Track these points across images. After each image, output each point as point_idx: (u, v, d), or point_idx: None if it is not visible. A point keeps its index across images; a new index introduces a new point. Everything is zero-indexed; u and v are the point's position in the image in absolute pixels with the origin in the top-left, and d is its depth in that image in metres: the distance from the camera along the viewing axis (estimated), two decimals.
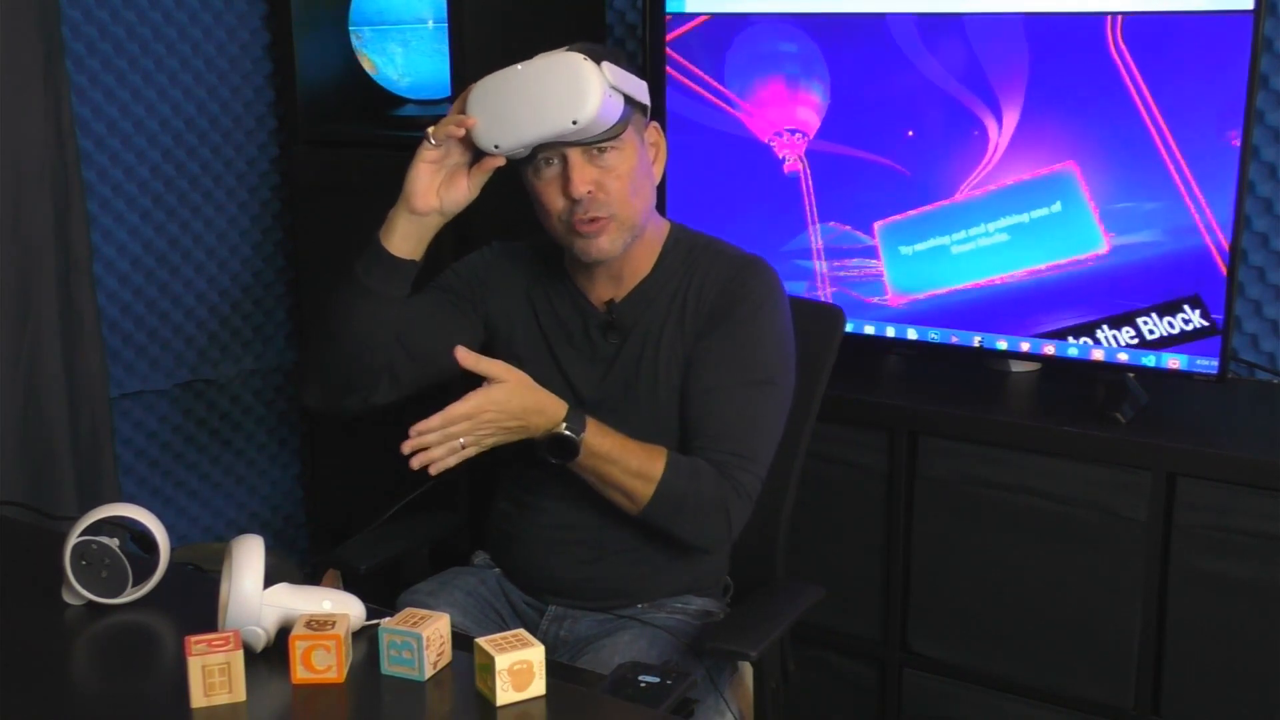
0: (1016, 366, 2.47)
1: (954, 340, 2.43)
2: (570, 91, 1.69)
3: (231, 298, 3.05)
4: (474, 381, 1.71)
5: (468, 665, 1.42)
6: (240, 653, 1.38)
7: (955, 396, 2.38)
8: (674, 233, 1.93)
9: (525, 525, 1.94)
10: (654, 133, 1.87)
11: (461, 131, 1.75)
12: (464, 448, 1.69)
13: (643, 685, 1.50)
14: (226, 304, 3.04)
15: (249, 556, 1.46)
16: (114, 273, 2.83)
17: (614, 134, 1.75)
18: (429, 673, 1.42)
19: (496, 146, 1.75)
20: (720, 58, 2.55)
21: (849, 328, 2.07)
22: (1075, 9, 2.21)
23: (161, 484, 3.00)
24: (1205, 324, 2.19)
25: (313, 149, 2.93)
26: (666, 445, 1.82)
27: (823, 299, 2.52)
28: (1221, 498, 2.08)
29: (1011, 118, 2.29)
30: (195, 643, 1.37)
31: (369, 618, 1.51)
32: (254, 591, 1.44)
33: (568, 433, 1.73)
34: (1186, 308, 2.20)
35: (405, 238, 1.79)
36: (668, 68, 2.59)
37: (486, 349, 1.93)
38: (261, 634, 1.45)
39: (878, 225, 2.45)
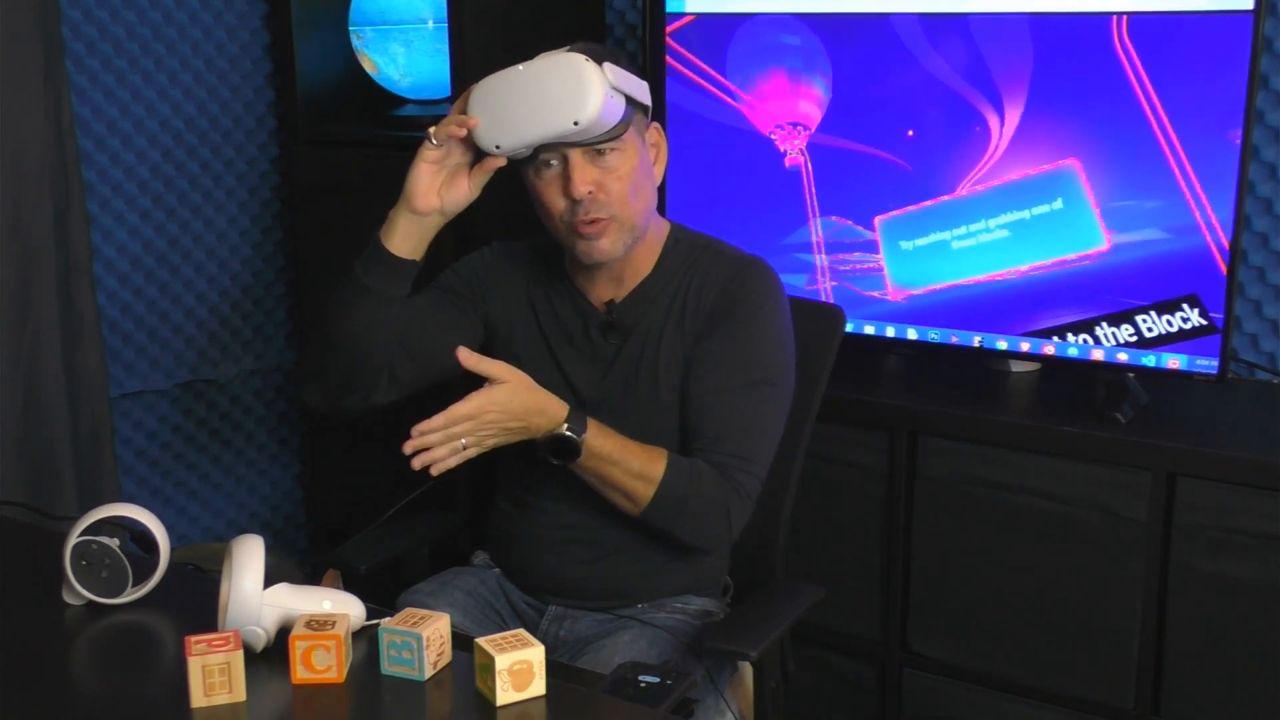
0: (1016, 366, 2.47)
1: (954, 340, 2.43)
2: (572, 92, 1.69)
3: (231, 298, 3.05)
4: (474, 382, 1.71)
5: (468, 665, 1.42)
6: (240, 653, 1.38)
7: (955, 396, 2.38)
8: (674, 233, 1.93)
9: (525, 525, 1.94)
10: (655, 133, 1.87)
11: (463, 132, 1.75)
12: (465, 448, 1.69)
13: (643, 685, 1.50)
14: (226, 304, 3.04)
15: (249, 556, 1.46)
16: (114, 273, 2.83)
17: (615, 134, 1.75)
18: (429, 673, 1.42)
19: (498, 147, 1.75)
20: (722, 50, 2.55)
21: (849, 327, 2.06)
22: (1080, 9, 2.21)
23: (161, 484, 3.00)
24: (1204, 323, 2.19)
25: (313, 149, 2.93)
26: (667, 446, 1.82)
27: (822, 292, 2.52)
28: (1221, 498, 2.08)
29: (1014, 114, 2.29)
30: (195, 643, 1.37)
31: (369, 618, 1.51)
32: (254, 591, 1.44)
33: (569, 434, 1.73)
34: (1185, 306, 2.20)
35: (406, 237, 1.79)
36: (668, 58, 2.59)
37: (486, 349, 1.93)
38: (261, 634, 1.45)
39: (878, 220, 2.45)
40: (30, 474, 2.55)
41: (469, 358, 1.69)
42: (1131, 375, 2.28)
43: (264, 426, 3.17)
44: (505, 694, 1.36)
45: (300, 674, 1.41)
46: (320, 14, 2.93)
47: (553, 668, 1.41)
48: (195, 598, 1.62)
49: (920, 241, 2.42)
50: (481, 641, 1.38)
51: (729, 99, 2.55)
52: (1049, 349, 2.34)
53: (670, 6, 2.58)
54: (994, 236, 2.36)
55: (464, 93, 1.78)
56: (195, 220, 2.95)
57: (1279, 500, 2.04)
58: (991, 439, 2.27)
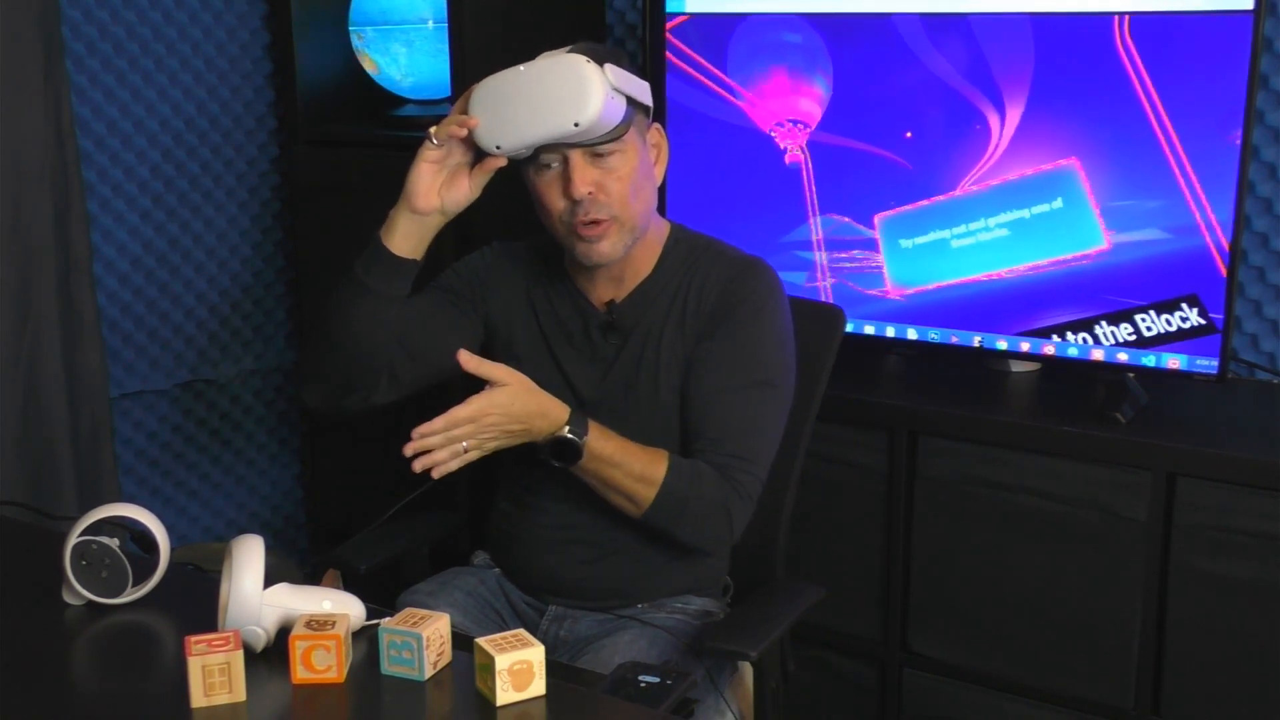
0: (1016, 366, 2.47)
1: (954, 340, 2.43)
2: (572, 93, 1.69)
3: (231, 298, 3.05)
4: (474, 382, 1.70)
5: (468, 665, 1.42)
6: (240, 653, 1.38)
7: (955, 396, 2.38)
8: (674, 233, 1.93)
9: (526, 525, 1.94)
10: (656, 134, 1.87)
11: (463, 132, 1.75)
12: (466, 451, 1.69)
13: (643, 685, 1.50)
14: (226, 304, 3.04)
15: (249, 556, 1.46)
16: (114, 273, 2.83)
17: (616, 135, 1.75)
18: (429, 673, 1.42)
19: (498, 147, 1.75)
20: (723, 47, 2.55)
21: (849, 327, 2.06)
22: (1082, 9, 2.21)
23: (161, 484, 3.00)
24: (1203, 322, 2.19)
25: (313, 149, 2.93)
26: (667, 446, 1.82)
27: (822, 290, 2.52)
28: (1221, 498, 2.08)
29: (1015, 113, 2.29)
30: (195, 643, 1.37)
31: (369, 618, 1.51)
32: (254, 591, 1.44)
33: (570, 436, 1.73)
34: (1185, 306, 2.21)
35: (406, 237, 1.79)
36: (668, 54, 2.59)
37: (486, 349, 1.93)
38: (261, 634, 1.45)
39: (878, 218, 2.45)
40: (30, 474, 2.55)
41: (470, 360, 1.69)
42: (1131, 375, 2.28)
43: (264, 426, 3.17)
44: (505, 694, 1.36)
45: (300, 674, 1.41)
46: (320, 14, 2.93)
47: (553, 668, 1.41)
48: (195, 598, 1.62)
49: (920, 240, 2.42)
50: (481, 641, 1.38)
51: (729, 96, 2.55)
52: (1049, 349, 2.34)
53: (670, 6, 2.58)
54: (994, 235, 2.36)
55: (465, 93, 1.78)
56: (195, 220, 2.95)
57: (1279, 500, 2.04)
58: (991, 439, 2.27)
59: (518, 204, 1.89)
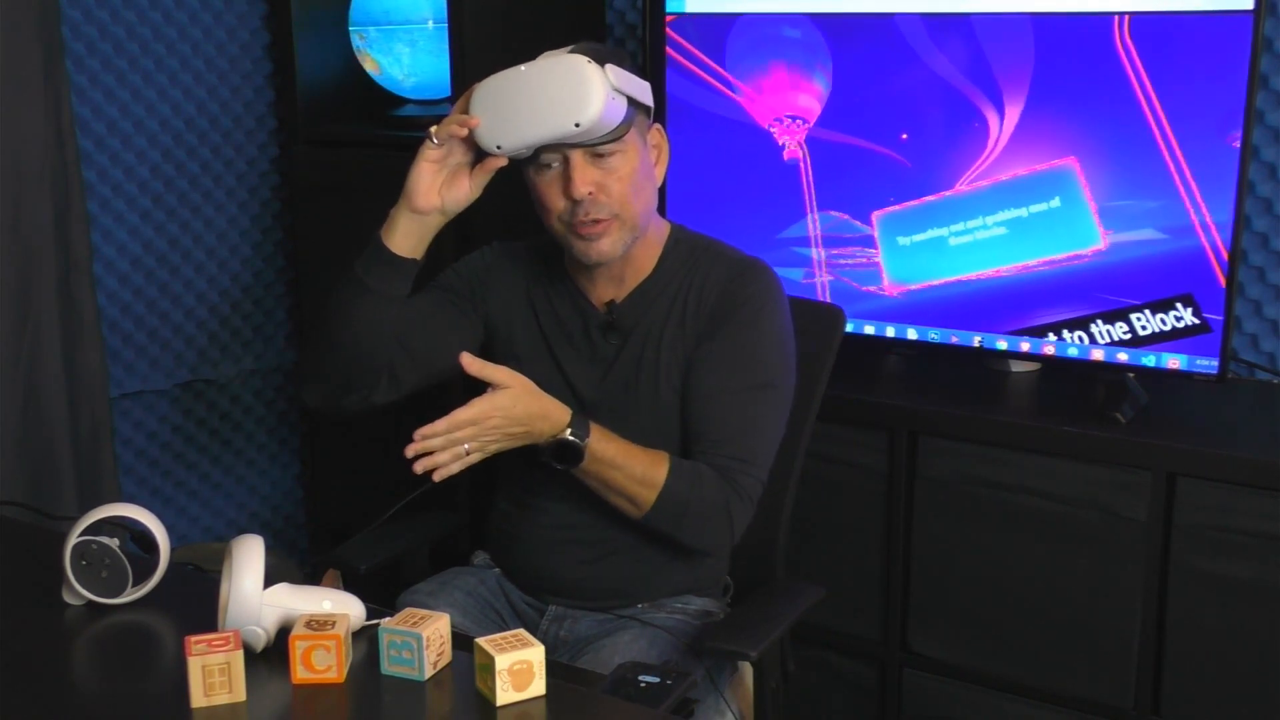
0: (1016, 366, 2.47)
1: (954, 340, 2.43)
2: (573, 94, 1.69)
3: (231, 298, 3.05)
4: (475, 383, 1.70)
5: (468, 665, 1.42)
6: (240, 653, 1.38)
7: (955, 396, 2.38)
8: (674, 233, 1.93)
9: (526, 525, 1.94)
10: (656, 134, 1.87)
11: (464, 131, 1.75)
12: (468, 454, 1.69)
13: (643, 685, 1.50)
14: (226, 304, 3.04)
15: (249, 556, 1.46)
16: (114, 273, 2.83)
17: (616, 136, 1.75)
18: (429, 673, 1.42)
19: (499, 147, 1.75)
20: (721, 43, 2.55)
21: (849, 327, 2.07)
22: (1082, 8, 2.21)
23: (161, 484, 3.00)
24: (1197, 322, 2.19)
25: (313, 149, 2.93)
26: (667, 446, 1.82)
27: (819, 287, 2.52)
28: (1221, 498, 2.08)
29: (1014, 112, 2.29)
30: (195, 643, 1.37)
31: (369, 618, 1.51)
32: (254, 591, 1.44)
33: (572, 438, 1.73)
34: (1179, 305, 2.21)
35: (406, 236, 1.79)
36: (668, 49, 2.59)
37: (486, 349, 1.93)
38: (261, 634, 1.45)
39: (876, 215, 2.45)
40: (30, 474, 2.55)
41: (472, 363, 1.69)
42: (1131, 375, 2.28)
43: (264, 426, 3.17)
44: (505, 694, 1.36)
45: (300, 674, 1.41)
46: (320, 14, 2.93)
47: (553, 668, 1.41)
48: (195, 598, 1.62)
49: (918, 237, 2.43)
50: (481, 641, 1.38)
51: (728, 91, 2.56)
52: (1049, 349, 2.34)
53: (670, 7, 2.58)
54: (991, 234, 2.36)
55: (466, 92, 1.78)
56: (195, 220, 2.95)
57: (1279, 500, 2.04)
58: (991, 439, 2.27)
59: (518, 204, 1.89)
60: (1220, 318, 2.18)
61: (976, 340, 2.41)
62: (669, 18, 2.58)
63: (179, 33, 2.86)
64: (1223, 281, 2.16)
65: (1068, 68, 2.25)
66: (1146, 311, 2.24)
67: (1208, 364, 2.20)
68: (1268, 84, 2.34)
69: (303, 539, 3.28)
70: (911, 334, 2.46)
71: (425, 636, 1.41)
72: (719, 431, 1.81)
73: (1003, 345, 2.38)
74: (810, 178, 2.50)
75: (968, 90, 2.33)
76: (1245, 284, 2.42)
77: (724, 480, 1.79)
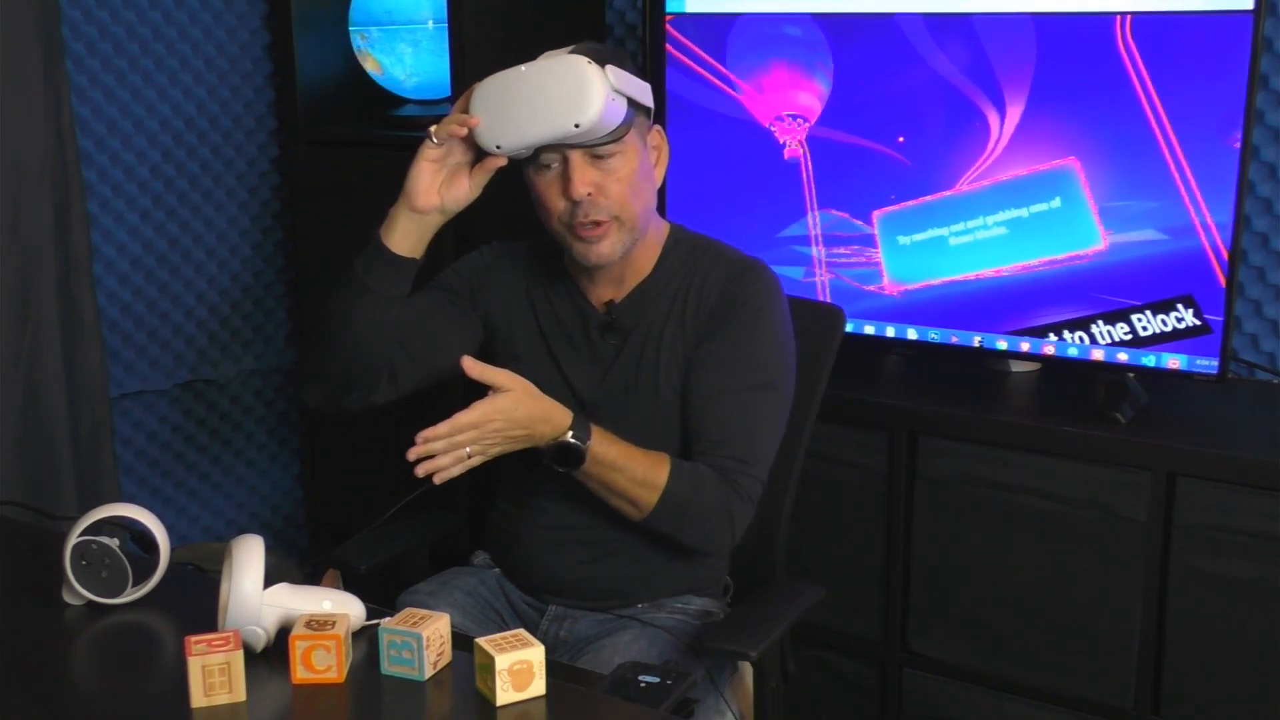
0: (1016, 366, 2.47)
1: (954, 340, 2.43)
2: (573, 94, 1.69)
3: (231, 298, 3.05)
4: (475, 383, 1.70)
5: (468, 665, 1.42)
6: (240, 653, 1.38)
7: (955, 396, 2.38)
8: (674, 234, 1.93)
9: (525, 525, 1.94)
10: (657, 136, 1.87)
11: (464, 131, 1.75)
12: (469, 457, 1.69)
13: (643, 685, 1.50)
14: (226, 304, 3.04)
15: (249, 556, 1.46)
16: (114, 273, 2.83)
17: (616, 137, 1.75)
18: (429, 673, 1.42)
19: (498, 147, 1.75)
20: (722, 40, 2.55)
21: (849, 327, 2.06)
22: (1083, 8, 2.21)
23: (161, 484, 3.00)
24: (1198, 323, 2.19)
25: (313, 149, 2.93)
26: (667, 446, 1.82)
27: (819, 285, 2.52)
28: (1221, 498, 2.08)
29: (1015, 112, 2.29)
30: (195, 643, 1.37)
31: (369, 618, 1.51)
32: (254, 591, 1.44)
33: (573, 441, 1.73)
34: (1180, 306, 2.21)
35: (406, 235, 1.79)
36: (668, 46, 2.59)
37: (485, 349, 1.93)
38: (261, 634, 1.45)
39: (876, 214, 2.45)
40: (30, 474, 2.55)
41: (474, 367, 1.69)
42: (1131, 375, 2.28)
43: (264, 426, 3.17)
44: (505, 694, 1.36)
45: (300, 674, 1.41)
46: (320, 14, 2.93)
47: (553, 668, 1.41)
48: (195, 598, 1.62)
49: (918, 237, 2.43)
50: (481, 641, 1.38)
51: (729, 89, 2.55)
52: (1049, 349, 2.34)
53: (670, 7, 2.58)
54: (991, 234, 2.36)
55: (466, 92, 1.78)
56: (195, 220, 2.95)
57: (1279, 500, 2.04)
58: (991, 439, 2.27)
59: (518, 204, 1.89)
60: (1220, 317, 2.18)
61: (976, 340, 2.41)
62: (669, 17, 2.58)
63: (179, 33, 2.86)
64: (1223, 282, 2.16)
65: (1069, 68, 2.25)
66: (1147, 312, 2.24)
67: (1208, 364, 2.20)
68: (1268, 84, 2.34)
69: (303, 539, 3.28)
70: (911, 334, 2.46)
71: (425, 636, 1.41)
72: (719, 432, 1.81)
73: (1003, 345, 2.38)
74: (811, 176, 2.50)
75: (969, 90, 2.33)
76: (1245, 284, 2.42)
77: (724, 481, 1.79)
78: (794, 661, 1.99)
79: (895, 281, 2.46)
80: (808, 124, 2.49)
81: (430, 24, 2.80)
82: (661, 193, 2.09)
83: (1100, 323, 2.28)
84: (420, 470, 1.67)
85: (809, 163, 2.50)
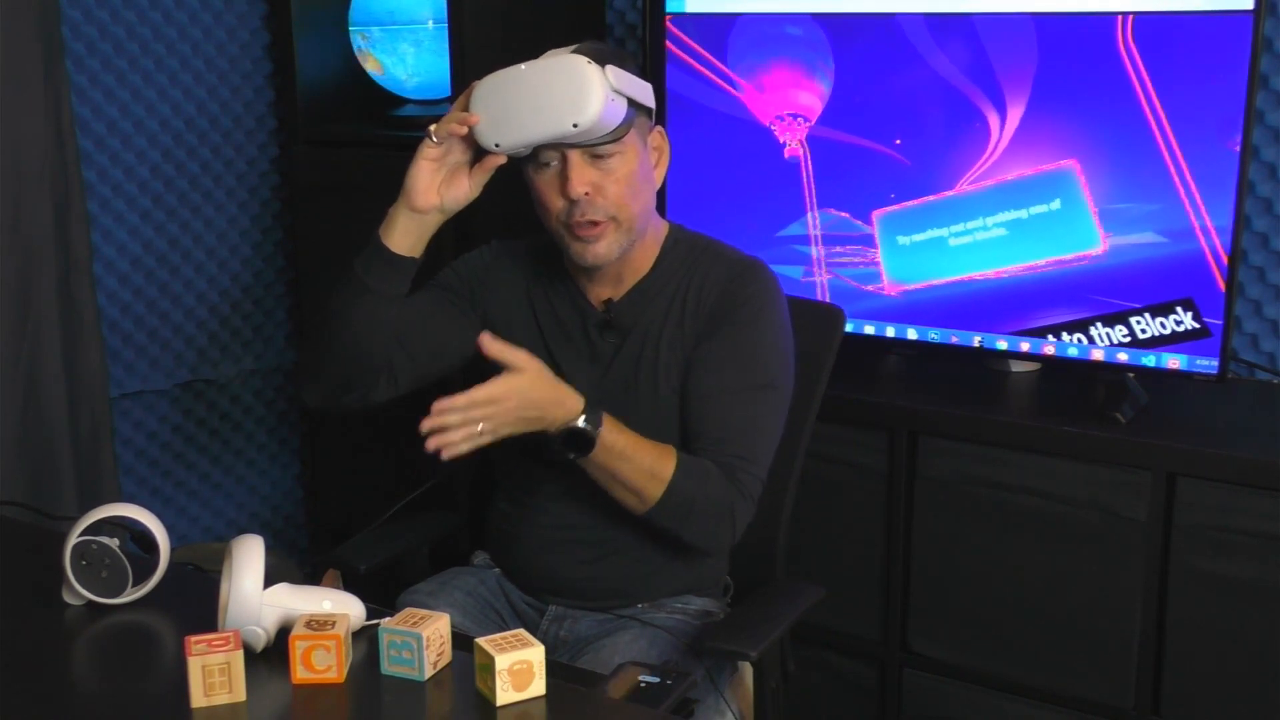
0: (1016, 366, 2.47)
1: (954, 340, 2.43)
2: (572, 94, 1.69)
3: (231, 298, 3.05)
4: (475, 380, 1.70)
5: (468, 665, 1.42)
6: (240, 653, 1.38)
7: (955, 396, 2.38)
8: (673, 233, 1.93)
9: (525, 525, 1.94)
10: (658, 137, 1.87)
11: (463, 130, 1.75)
12: (481, 434, 1.67)
13: (643, 685, 1.50)
14: (226, 304, 3.04)
15: (249, 556, 1.46)
16: (114, 273, 2.83)
17: (615, 137, 1.75)
18: (429, 673, 1.42)
19: (497, 145, 1.75)
20: (723, 39, 2.55)
21: (849, 327, 2.06)
22: (1084, 8, 2.21)
23: (161, 484, 3.00)
24: (1197, 326, 2.19)
25: (313, 149, 2.93)
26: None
27: (818, 285, 2.52)
28: (1221, 498, 2.08)
29: (1016, 113, 2.29)
30: (195, 643, 1.37)
31: (369, 618, 1.51)
32: (254, 591, 1.44)
33: (584, 426, 1.72)
34: (1180, 309, 2.21)
35: (405, 234, 1.79)
36: (668, 43, 2.59)
37: None
38: (261, 634, 1.45)
39: (876, 214, 2.45)
40: (30, 474, 2.55)
41: (492, 345, 1.68)
42: (1131, 375, 2.28)
43: (264, 426, 3.17)
44: (505, 694, 1.36)
45: (300, 674, 1.41)
46: (320, 14, 2.93)
47: (553, 668, 1.41)
48: (195, 598, 1.62)
49: (918, 237, 2.43)
50: (481, 641, 1.38)
51: (729, 88, 2.55)
52: (1049, 349, 2.34)
53: (670, 7, 2.58)
54: (991, 235, 2.36)
55: (465, 90, 1.78)
56: (195, 220, 2.95)
57: (1279, 500, 2.04)
58: (991, 439, 2.27)
59: (518, 202, 1.89)
60: (1220, 321, 2.18)
61: (976, 340, 2.41)
62: (669, 16, 2.58)
63: (179, 33, 2.86)
64: (1223, 285, 2.16)
65: (1070, 69, 2.25)
66: (1146, 315, 2.24)
67: (1208, 364, 2.20)
68: (1268, 84, 2.34)
69: (303, 539, 3.28)
70: (911, 334, 2.46)
71: (425, 636, 1.41)
72: (719, 430, 1.81)
73: (1003, 345, 2.38)
74: (811, 176, 2.50)
75: (969, 91, 2.33)
76: (1245, 284, 2.42)
77: (728, 478, 1.79)
78: (794, 661, 1.99)
79: (895, 282, 2.46)
80: (808, 124, 2.49)
81: (430, 24, 2.80)
82: (661, 192, 2.08)
83: (1099, 325, 2.28)
84: (431, 444, 1.65)
85: (809, 162, 2.50)
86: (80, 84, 2.71)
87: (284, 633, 1.45)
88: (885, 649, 2.45)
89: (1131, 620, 2.18)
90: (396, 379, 1.87)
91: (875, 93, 2.42)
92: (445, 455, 1.66)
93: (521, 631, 1.40)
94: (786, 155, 2.52)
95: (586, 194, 1.76)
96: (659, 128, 1.87)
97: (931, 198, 2.40)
